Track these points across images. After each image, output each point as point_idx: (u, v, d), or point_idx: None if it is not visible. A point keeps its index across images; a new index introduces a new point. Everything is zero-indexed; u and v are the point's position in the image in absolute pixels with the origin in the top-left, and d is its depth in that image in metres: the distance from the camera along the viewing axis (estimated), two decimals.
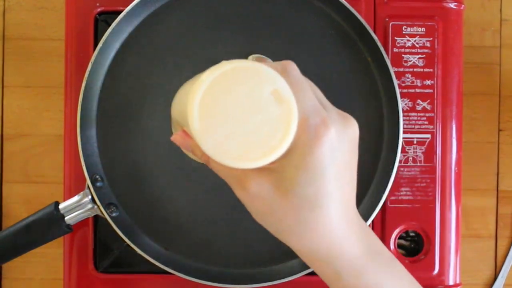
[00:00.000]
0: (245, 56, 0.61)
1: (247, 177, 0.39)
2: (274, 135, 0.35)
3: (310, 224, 0.39)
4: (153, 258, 0.58)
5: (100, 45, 0.59)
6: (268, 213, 0.39)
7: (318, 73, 0.60)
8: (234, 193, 0.60)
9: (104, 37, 0.59)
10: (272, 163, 0.36)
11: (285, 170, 0.38)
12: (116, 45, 0.60)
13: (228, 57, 0.60)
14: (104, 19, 0.62)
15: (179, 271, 0.58)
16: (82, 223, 0.60)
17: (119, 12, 0.59)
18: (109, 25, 0.59)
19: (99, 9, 0.62)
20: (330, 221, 0.39)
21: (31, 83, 0.71)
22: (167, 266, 0.58)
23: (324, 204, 0.38)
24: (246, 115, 0.35)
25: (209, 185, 0.61)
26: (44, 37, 0.71)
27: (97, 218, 0.61)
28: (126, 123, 0.61)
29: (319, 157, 0.37)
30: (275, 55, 0.60)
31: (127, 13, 0.59)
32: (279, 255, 0.61)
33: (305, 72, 0.61)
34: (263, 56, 0.60)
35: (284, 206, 0.38)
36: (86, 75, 0.58)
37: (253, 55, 0.60)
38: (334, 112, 0.39)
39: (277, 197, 0.38)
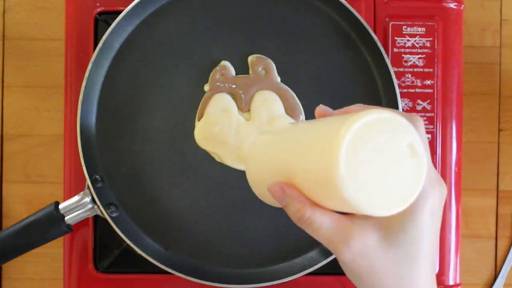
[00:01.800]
0: (246, 56, 0.61)
1: (351, 235, 0.40)
2: (407, 186, 0.36)
3: (406, 280, 0.40)
4: (153, 258, 0.58)
5: (100, 45, 0.59)
6: (369, 273, 0.40)
7: (318, 73, 0.60)
8: (234, 194, 0.60)
9: (104, 37, 0.59)
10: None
11: (391, 227, 0.39)
12: (116, 45, 0.60)
13: (228, 57, 0.61)
14: (104, 19, 0.62)
15: (179, 271, 0.58)
16: (82, 223, 0.60)
17: (119, 12, 0.59)
18: (109, 25, 0.59)
19: (99, 9, 0.62)
20: (424, 278, 0.41)
21: (31, 83, 0.70)
22: (167, 266, 0.58)
23: (420, 261, 0.40)
24: (385, 164, 0.36)
25: (209, 185, 0.61)
26: (44, 37, 0.70)
27: (97, 218, 0.61)
28: (126, 123, 0.61)
29: (426, 217, 0.39)
30: (275, 55, 0.60)
31: (127, 13, 0.59)
32: (279, 255, 0.60)
33: (305, 72, 0.61)
34: (263, 56, 0.60)
35: (385, 263, 0.40)
36: (86, 75, 0.58)
37: (253, 55, 0.60)
38: (433, 173, 0.41)
39: (379, 253, 0.40)
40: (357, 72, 0.60)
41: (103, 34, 0.59)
